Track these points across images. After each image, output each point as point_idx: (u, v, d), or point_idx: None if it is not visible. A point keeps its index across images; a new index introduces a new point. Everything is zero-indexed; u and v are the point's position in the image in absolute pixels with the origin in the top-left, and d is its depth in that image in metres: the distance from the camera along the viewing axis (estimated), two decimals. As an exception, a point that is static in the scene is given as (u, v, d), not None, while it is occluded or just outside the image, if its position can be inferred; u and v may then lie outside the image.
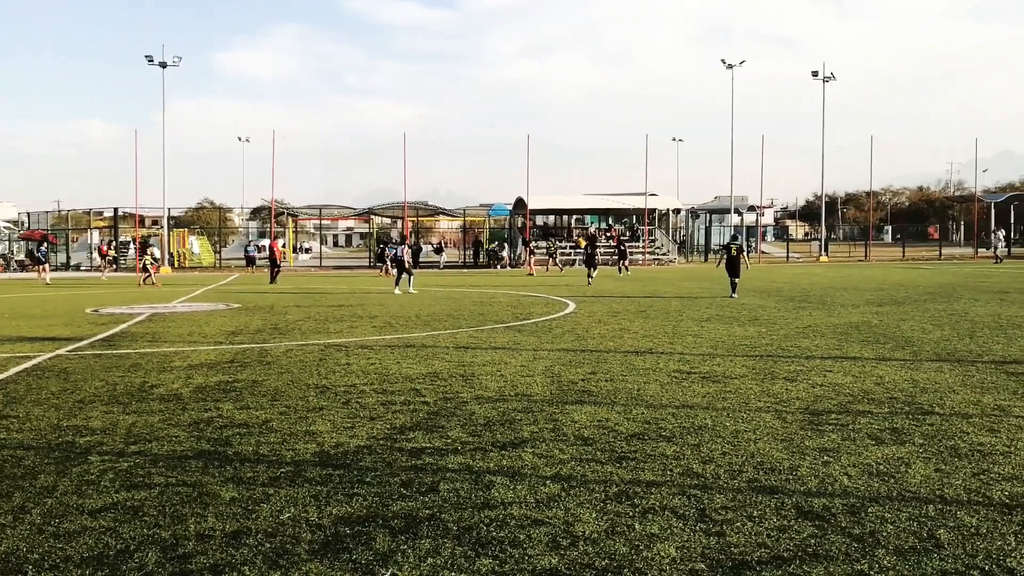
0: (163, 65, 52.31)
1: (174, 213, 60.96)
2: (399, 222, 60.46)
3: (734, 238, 30.56)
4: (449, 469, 6.20)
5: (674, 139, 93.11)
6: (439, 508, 5.32)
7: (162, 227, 56.10)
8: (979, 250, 59.90)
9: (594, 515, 5.17)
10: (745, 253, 25.87)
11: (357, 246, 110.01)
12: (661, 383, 9.64)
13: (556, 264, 46.01)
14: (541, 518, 5.12)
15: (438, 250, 56.69)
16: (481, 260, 54.94)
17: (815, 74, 60.05)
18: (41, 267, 39.69)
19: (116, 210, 55.72)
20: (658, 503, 5.40)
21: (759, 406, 8.33)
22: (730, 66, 60.24)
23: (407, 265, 27.38)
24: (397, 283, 27.41)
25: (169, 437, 7.27)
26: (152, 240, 54.15)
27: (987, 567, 4.38)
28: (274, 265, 35.75)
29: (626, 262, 39.17)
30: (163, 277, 41.39)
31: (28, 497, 5.63)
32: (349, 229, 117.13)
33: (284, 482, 5.92)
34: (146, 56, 52.12)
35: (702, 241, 65.14)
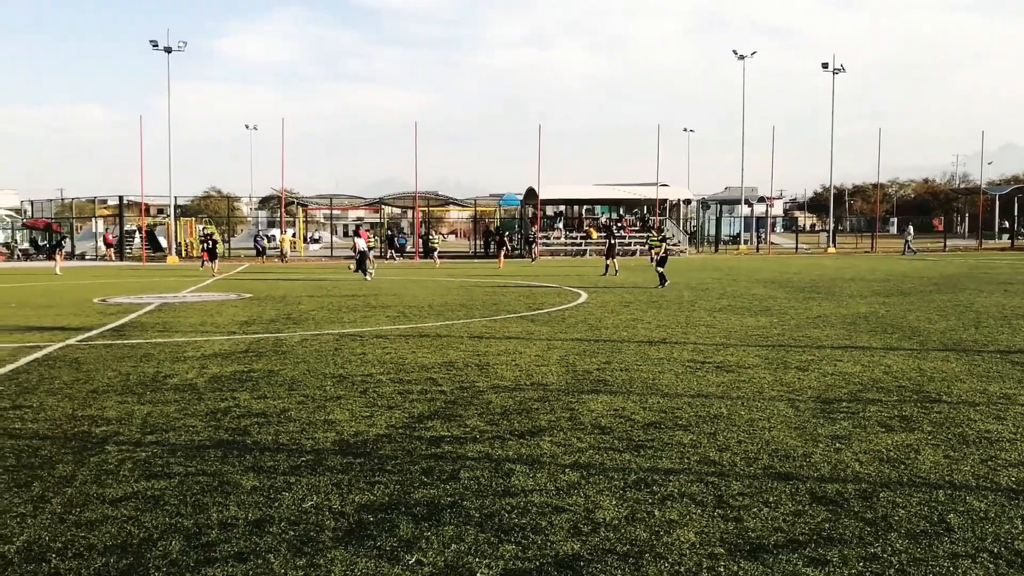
0: (168, 50, 51.86)
1: (180, 202, 60.60)
2: (409, 212, 60.41)
3: (660, 231, 30.69)
4: (469, 457, 6.24)
5: (685, 129, 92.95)
6: (460, 495, 5.37)
7: (168, 216, 55.97)
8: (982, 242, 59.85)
9: (614, 502, 5.21)
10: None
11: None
12: (676, 372, 9.67)
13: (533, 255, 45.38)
14: (562, 505, 5.17)
15: (429, 247, 48.10)
16: (492, 251, 54.82)
17: (825, 66, 59.72)
18: (58, 254, 39.96)
19: (121, 199, 55.59)
20: (676, 490, 5.44)
21: (772, 395, 8.36)
22: (741, 57, 60.06)
23: (369, 254, 30.33)
24: (363, 271, 29.40)
25: (186, 427, 7.32)
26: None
27: (996, 549, 4.44)
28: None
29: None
30: (171, 267, 41.53)
31: (47, 487, 5.66)
32: (359, 219, 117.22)
33: (305, 471, 5.96)
34: (151, 41, 51.15)
35: (712, 232, 65.02)
